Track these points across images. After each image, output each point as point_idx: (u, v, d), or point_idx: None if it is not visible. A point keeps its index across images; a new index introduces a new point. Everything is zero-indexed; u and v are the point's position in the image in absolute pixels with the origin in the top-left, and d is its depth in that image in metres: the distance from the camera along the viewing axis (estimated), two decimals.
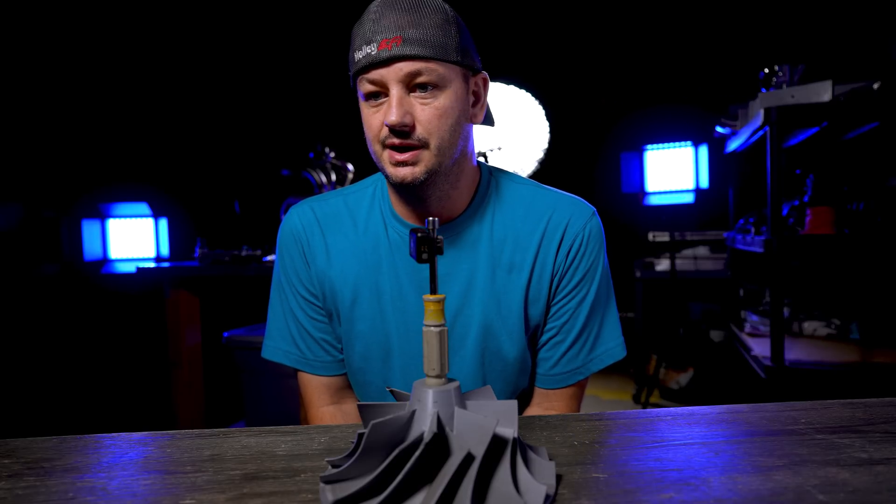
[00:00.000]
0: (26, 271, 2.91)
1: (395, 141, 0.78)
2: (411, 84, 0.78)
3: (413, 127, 0.78)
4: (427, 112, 0.78)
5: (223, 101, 3.64)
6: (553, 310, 0.91)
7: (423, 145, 0.79)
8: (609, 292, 0.95)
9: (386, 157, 0.81)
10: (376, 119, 0.80)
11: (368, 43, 0.77)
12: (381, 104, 0.80)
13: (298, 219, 0.95)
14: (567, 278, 0.89)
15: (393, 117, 0.76)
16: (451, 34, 0.78)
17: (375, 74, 0.77)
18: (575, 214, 0.90)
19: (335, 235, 0.93)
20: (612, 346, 0.93)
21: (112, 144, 3.23)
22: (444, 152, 0.81)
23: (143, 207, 3.32)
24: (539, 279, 0.89)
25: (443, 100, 0.79)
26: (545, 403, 0.95)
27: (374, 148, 0.83)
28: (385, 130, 0.79)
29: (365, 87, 0.80)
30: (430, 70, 0.77)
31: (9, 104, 2.80)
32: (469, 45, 0.83)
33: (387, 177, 0.83)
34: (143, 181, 3.30)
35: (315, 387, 0.98)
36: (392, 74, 0.77)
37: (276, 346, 0.98)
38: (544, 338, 0.93)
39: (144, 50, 3.35)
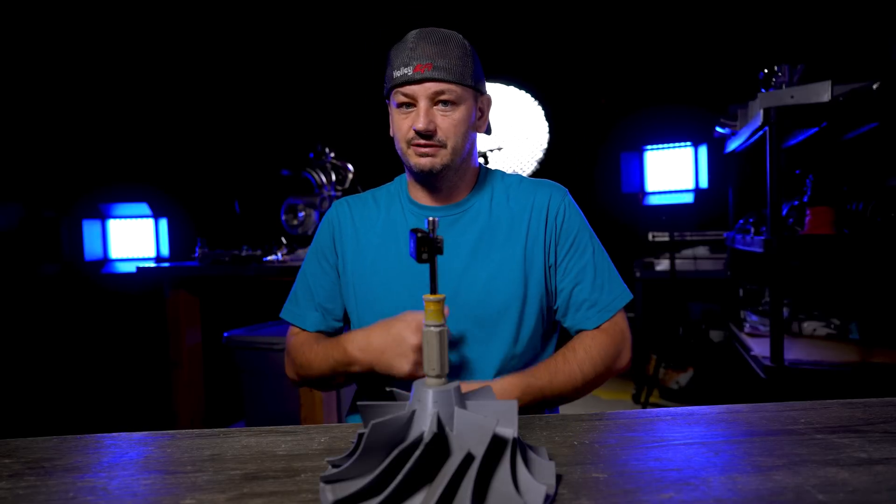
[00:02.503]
0: (26, 271, 2.91)
1: (421, 141, 1.03)
2: (436, 100, 1.02)
3: (435, 131, 1.02)
4: (447, 121, 1.03)
5: (223, 101, 3.64)
6: (562, 267, 1.12)
7: (442, 145, 1.04)
8: (603, 250, 1.15)
9: (412, 152, 1.05)
10: (405, 124, 1.04)
11: (406, 65, 1.01)
12: (410, 112, 1.04)
13: (335, 209, 1.21)
14: (563, 240, 1.12)
15: (421, 125, 1.01)
16: (468, 65, 1.04)
17: (409, 90, 1.02)
18: (554, 193, 1.15)
19: (361, 215, 1.18)
20: (621, 291, 1.12)
21: (112, 144, 3.23)
22: (457, 152, 1.06)
23: (143, 207, 3.32)
24: (533, 245, 1.10)
25: (458, 114, 1.04)
26: (593, 333, 1.10)
27: (401, 146, 1.07)
28: (412, 133, 1.03)
29: (399, 98, 1.03)
30: (451, 90, 1.01)
31: (9, 104, 2.80)
32: (479, 73, 1.08)
33: (411, 167, 1.07)
34: (143, 181, 3.30)
35: (304, 335, 1.18)
36: (422, 91, 1.01)
37: (287, 308, 1.22)
38: (566, 290, 1.11)
39: (144, 50, 3.35)
